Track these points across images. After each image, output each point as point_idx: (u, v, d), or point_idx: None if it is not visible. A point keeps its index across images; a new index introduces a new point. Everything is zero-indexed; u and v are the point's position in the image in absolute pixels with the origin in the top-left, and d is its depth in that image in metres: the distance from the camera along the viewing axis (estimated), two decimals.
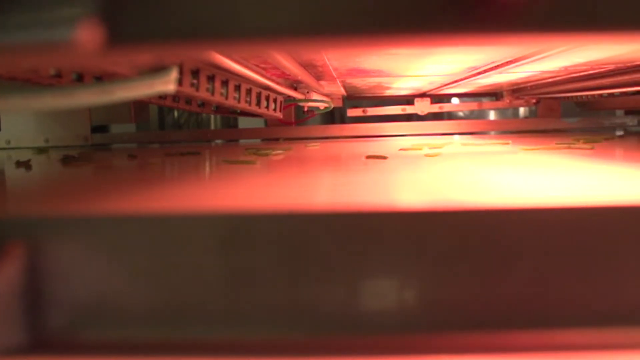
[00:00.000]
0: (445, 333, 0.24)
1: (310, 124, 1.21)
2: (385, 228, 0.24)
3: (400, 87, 0.97)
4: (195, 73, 0.44)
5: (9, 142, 0.98)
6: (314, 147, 0.73)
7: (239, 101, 0.53)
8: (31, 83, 0.43)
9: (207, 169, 0.55)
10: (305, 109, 0.92)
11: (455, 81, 0.86)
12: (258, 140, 1.06)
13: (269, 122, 1.06)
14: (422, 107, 1.04)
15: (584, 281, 0.24)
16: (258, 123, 1.08)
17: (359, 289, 0.23)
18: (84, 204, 0.31)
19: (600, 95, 0.87)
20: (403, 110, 1.06)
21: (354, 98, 1.15)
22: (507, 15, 0.17)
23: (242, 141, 1.08)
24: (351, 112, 1.07)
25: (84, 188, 0.43)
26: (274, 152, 0.66)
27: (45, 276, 0.21)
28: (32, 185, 0.48)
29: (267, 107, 0.62)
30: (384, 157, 0.59)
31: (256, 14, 0.18)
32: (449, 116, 1.40)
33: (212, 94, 0.46)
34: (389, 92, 1.08)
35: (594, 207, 0.23)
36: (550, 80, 0.85)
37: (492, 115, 1.40)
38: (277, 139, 1.03)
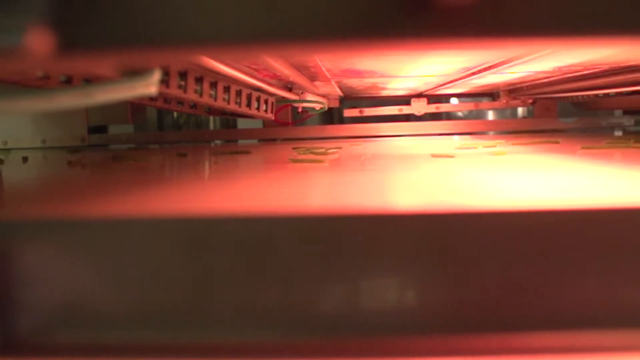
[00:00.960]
0: (424, 336, 0.24)
1: (309, 124, 1.21)
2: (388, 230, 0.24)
3: (396, 87, 0.97)
4: (184, 75, 0.44)
5: (6, 143, 0.99)
6: (335, 151, 0.71)
7: (228, 102, 0.53)
8: (19, 85, 0.44)
9: (283, 168, 0.52)
10: (300, 110, 0.92)
11: (451, 81, 0.86)
12: (255, 141, 1.07)
13: (266, 123, 1.06)
14: (418, 107, 1.04)
15: (582, 282, 0.24)
16: (257, 124, 1.08)
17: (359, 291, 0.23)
18: (63, 206, 0.32)
19: (596, 95, 0.87)
20: (400, 110, 1.06)
21: (351, 98, 1.15)
22: (454, 21, 0.17)
23: (240, 141, 1.09)
24: (348, 113, 1.07)
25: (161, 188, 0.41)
26: (329, 150, 0.66)
27: (14, 279, 0.21)
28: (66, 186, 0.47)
29: (258, 108, 0.62)
30: (451, 156, 0.58)
31: (201, 20, 0.18)
32: (448, 116, 1.40)
33: (201, 95, 0.46)
34: (385, 93, 1.08)
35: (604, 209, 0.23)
36: (545, 80, 0.85)
37: (490, 116, 1.40)
38: (274, 140, 1.04)
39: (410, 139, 0.96)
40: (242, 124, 1.21)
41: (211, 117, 1.37)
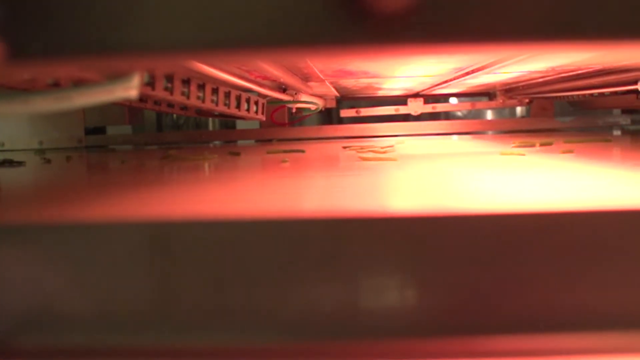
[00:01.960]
0: (419, 339, 0.24)
1: (307, 124, 1.21)
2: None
3: (392, 87, 0.97)
4: (170, 77, 0.45)
5: (2, 144, 0.99)
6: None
7: (217, 104, 0.53)
8: (5, 88, 0.44)
9: (360, 166, 0.52)
10: (294, 110, 0.92)
11: (445, 82, 0.86)
12: (252, 142, 1.07)
13: (263, 124, 1.07)
14: (415, 107, 1.04)
15: (579, 284, 0.24)
16: (256, 124, 1.09)
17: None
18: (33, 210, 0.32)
19: (591, 94, 0.87)
20: (396, 110, 1.06)
21: (348, 99, 1.16)
22: (395, 28, 0.17)
23: (240, 142, 1.09)
24: (344, 113, 1.07)
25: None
26: (386, 149, 0.66)
27: None
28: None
29: (248, 109, 0.62)
30: (522, 154, 0.57)
31: (143, 28, 0.18)
32: (446, 116, 1.39)
33: (188, 97, 0.46)
34: (381, 93, 1.08)
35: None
36: (540, 80, 0.85)
37: (489, 115, 1.40)
38: (270, 140, 1.04)
39: (413, 139, 0.96)
40: (240, 124, 1.22)
41: (210, 118, 1.38)
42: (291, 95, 0.77)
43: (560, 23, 0.18)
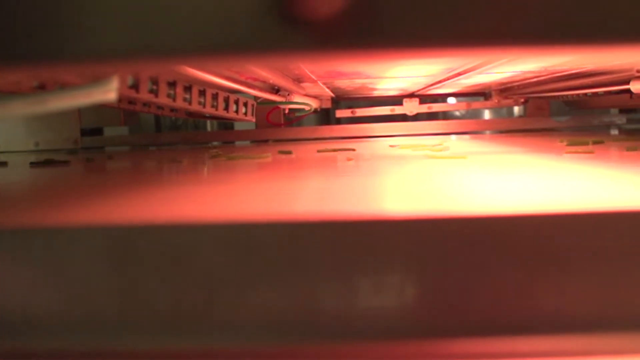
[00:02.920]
0: (413, 341, 0.24)
1: (305, 124, 1.21)
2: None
3: (386, 88, 0.97)
4: (155, 79, 0.45)
5: None
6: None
7: (204, 106, 0.53)
8: None
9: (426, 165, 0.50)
10: (286, 112, 0.92)
11: (439, 82, 0.86)
12: (247, 142, 1.07)
13: (259, 124, 1.07)
14: (410, 107, 1.04)
15: (577, 286, 0.23)
16: (253, 125, 1.09)
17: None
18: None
19: (585, 94, 0.87)
20: (392, 110, 1.06)
21: (344, 99, 1.16)
22: (327, 34, 0.17)
23: (237, 142, 1.09)
24: (340, 113, 1.07)
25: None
26: (437, 146, 0.66)
27: None
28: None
29: (237, 111, 0.62)
30: (591, 152, 0.56)
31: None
32: (444, 116, 1.39)
33: (174, 99, 0.46)
34: (376, 93, 1.08)
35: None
36: (534, 80, 0.85)
37: (487, 115, 1.40)
38: (266, 141, 1.04)
39: (414, 139, 0.96)
40: (238, 125, 1.22)
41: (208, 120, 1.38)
42: (284, 96, 0.77)
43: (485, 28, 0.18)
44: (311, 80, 0.76)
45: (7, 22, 0.19)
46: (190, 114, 0.74)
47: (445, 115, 1.39)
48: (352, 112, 1.05)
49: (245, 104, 0.64)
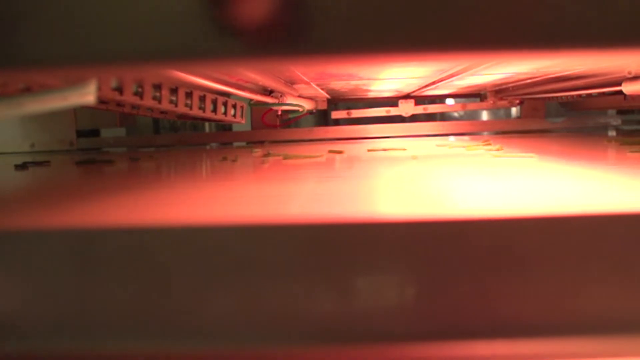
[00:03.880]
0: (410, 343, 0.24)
1: (303, 125, 1.21)
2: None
3: (381, 89, 0.97)
4: (140, 82, 0.45)
5: None
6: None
7: (191, 108, 0.53)
8: None
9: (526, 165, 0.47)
10: (279, 113, 0.92)
11: (432, 83, 0.86)
12: (244, 143, 1.07)
13: (254, 125, 1.07)
14: (406, 108, 1.04)
15: (575, 287, 0.23)
16: (249, 127, 1.10)
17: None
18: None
19: (579, 95, 0.86)
20: (387, 112, 1.06)
21: (340, 100, 1.16)
22: (258, 41, 0.17)
23: (235, 143, 1.10)
24: (335, 115, 1.07)
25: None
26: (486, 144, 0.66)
27: None
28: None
29: (225, 113, 0.62)
30: None
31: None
32: (442, 117, 1.39)
33: (160, 102, 0.46)
34: (372, 95, 1.08)
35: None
36: (529, 81, 0.85)
37: (485, 117, 1.40)
38: (262, 142, 1.04)
39: (414, 140, 0.96)
40: (237, 127, 1.22)
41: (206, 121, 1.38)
42: (277, 97, 0.77)
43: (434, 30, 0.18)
44: (304, 82, 0.76)
45: None
46: (182, 116, 0.74)
47: (443, 117, 1.39)
48: (347, 113, 1.05)
49: (234, 106, 0.64)
